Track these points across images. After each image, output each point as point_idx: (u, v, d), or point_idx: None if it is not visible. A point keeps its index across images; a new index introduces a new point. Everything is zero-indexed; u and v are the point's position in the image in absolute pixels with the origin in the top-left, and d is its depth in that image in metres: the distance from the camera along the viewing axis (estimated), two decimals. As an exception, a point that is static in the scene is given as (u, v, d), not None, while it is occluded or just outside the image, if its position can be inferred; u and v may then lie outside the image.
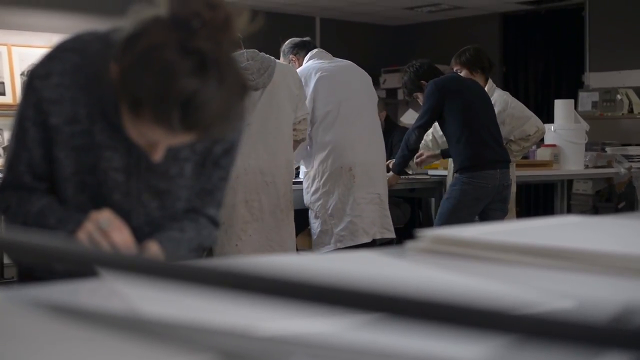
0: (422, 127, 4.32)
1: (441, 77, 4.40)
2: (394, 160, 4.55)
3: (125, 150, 1.42)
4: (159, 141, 1.32)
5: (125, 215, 1.43)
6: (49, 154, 1.43)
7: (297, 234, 4.28)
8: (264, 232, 3.51)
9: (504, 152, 4.37)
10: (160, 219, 1.49)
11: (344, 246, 3.85)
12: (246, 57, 3.45)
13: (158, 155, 1.35)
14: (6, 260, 4.80)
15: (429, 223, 5.26)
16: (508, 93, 4.89)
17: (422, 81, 4.43)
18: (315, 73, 3.93)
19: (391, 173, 4.56)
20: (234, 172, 3.47)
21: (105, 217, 1.37)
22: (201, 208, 1.57)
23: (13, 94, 5.70)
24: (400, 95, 9.13)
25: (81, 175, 1.42)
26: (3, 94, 5.73)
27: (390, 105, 9.23)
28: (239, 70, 1.28)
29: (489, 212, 4.31)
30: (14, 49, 5.95)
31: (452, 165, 4.49)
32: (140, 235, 1.45)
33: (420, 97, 4.49)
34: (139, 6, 1.23)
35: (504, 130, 4.60)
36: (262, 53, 3.52)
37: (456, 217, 4.16)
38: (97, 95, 1.39)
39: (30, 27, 6.37)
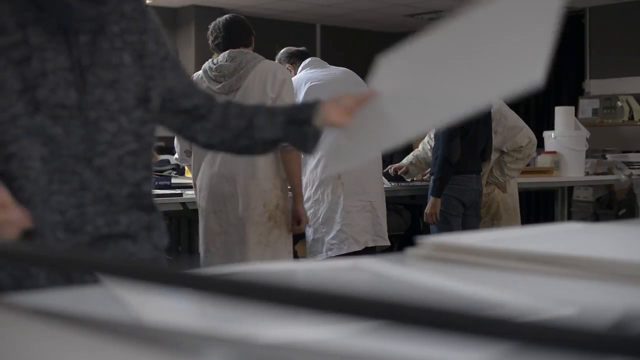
0: (456, 136, 4.21)
1: None
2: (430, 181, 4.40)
3: (66, 49, 1.42)
4: None
5: (85, 110, 1.42)
6: None
7: (296, 242, 4.27)
8: (228, 246, 3.27)
9: (479, 162, 4.44)
10: (116, 113, 1.46)
11: (335, 254, 3.84)
12: (227, 56, 3.32)
13: None
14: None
15: (429, 230, 5.27)
16: (502, 102, 4.89)
17: None
18: (305, 83, 3.93)
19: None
20: (203, 180, 3.28)
21: None
22: (209, 101, 1.64)
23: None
24: (401, 102, 9.15)
25: (30, 89, 1.39)
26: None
27: (390, 112, 9.25)
28: None
29: (466, 219, 4.37)
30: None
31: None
32: (102, 132, 1.43)
33: None
34: None
35: (497, 140, 4.58)
36: (249, 53, 3.36)
37: (449, 223, 4.24)
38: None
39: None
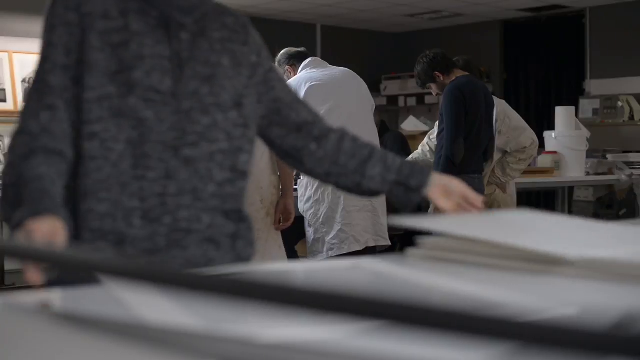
0: (460, 136, 4.18)
1: (461, 82, 4.25)
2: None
3: (166, 40, 1.45)
4: None
5: (178, 98, 1.42)
6: (80, 57, 1.40)
7: (297, 242, 4.25)
8: None
9: (482, 162, 4.38)
10: (211, 107, 1.47)
11: (335, 254, 3.83)
12: None
13: None
14: (7, 266, 4.81)
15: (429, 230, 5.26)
16: (504, 101, 4.87)
17: (436, 72, 4.34)
18: (305, 83, 3.92)
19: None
20: None
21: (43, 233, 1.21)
22: (319, 121, 1.62)
23: (14, 101, 5.71)
24: (401, 102, 9.14)
25: (126, 70, 1.40)
26: (4, 100, 5.73)
27: (391, 112, 9.24)
28: None
29: None
30: (15, 55, 5.96)
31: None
32: (195, 123, 1.44)
33: (433, 88, 4.42)
34: None
35: (500, 141, 4.55)
36: None
37: None
38: None
39: (32, 34, 6.37)
